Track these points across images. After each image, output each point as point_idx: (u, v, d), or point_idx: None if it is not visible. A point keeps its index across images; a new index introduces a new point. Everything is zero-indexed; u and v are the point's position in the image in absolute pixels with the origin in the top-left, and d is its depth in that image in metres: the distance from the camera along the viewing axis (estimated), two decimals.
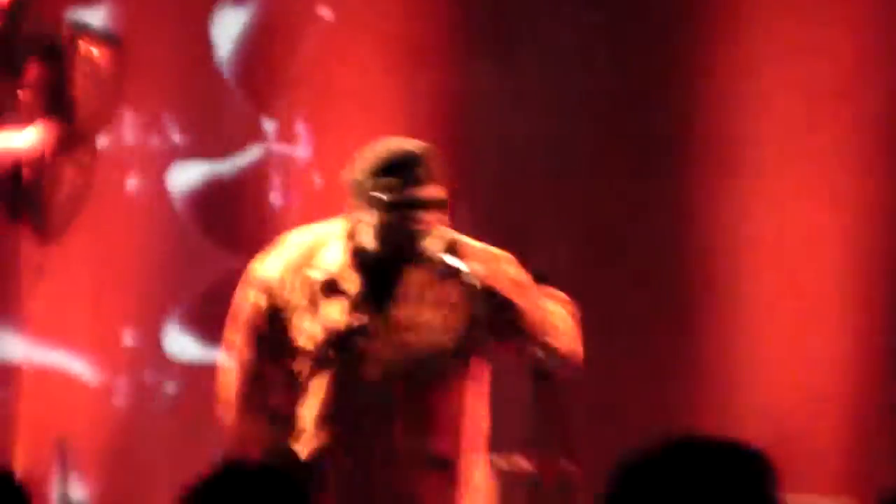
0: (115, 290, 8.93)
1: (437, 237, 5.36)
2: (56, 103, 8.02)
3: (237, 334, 5.55)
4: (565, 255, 8.35)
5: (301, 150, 9.22)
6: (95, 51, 8.12)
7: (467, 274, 5.31)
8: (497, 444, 6.17)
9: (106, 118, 8.39)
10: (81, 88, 8.01)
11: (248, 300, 5.54)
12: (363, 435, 5.46)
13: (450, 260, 5.31)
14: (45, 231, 7.98)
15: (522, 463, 6.60)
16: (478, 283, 5.30)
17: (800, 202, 8.43)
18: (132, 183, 9.10)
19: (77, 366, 8.73)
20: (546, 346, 5.55)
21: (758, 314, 8.55)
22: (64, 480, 7.76)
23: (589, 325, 5.93)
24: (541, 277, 5.83)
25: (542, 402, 5.81)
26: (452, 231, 5.53)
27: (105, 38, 8.42)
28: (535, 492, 6.14)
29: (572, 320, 5.62)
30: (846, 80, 8.35)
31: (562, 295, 5.74)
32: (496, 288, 5.46)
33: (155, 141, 9.03)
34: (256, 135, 9.15)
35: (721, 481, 3.19)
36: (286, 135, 9.21)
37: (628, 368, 8.26)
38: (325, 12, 8.96)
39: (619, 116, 8.69)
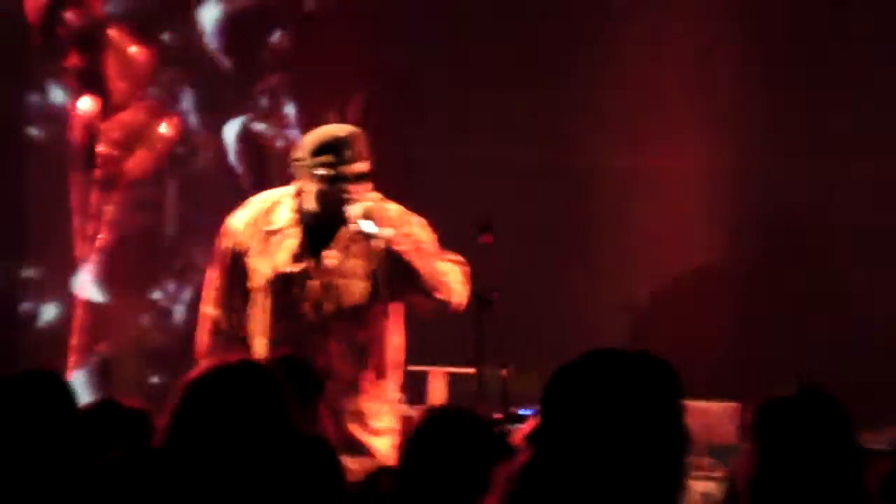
0: None
1: (360, 204, 6.14)
2: (92, 83, 8.85)
3: (214, 272, 6.37)
4: None
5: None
6: (125, 40, 8.85)
7: (374, 236, 6.13)
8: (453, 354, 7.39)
9: (136, 95, 9.10)
10: (113, 71, 8.82)
11: (220, 246, 6.36)
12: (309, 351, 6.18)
13: (362, 224, 6.13)
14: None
15: (469, 369, 7.32)
16: (382, 245, 6.14)
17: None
18: None
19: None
20: (436, 299, 6.32)
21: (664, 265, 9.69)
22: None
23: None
24: (485, 228, 6.84)
25: (483, 323, 6.80)
26: (376, 198, 6.32)
27: (135, 28, 9.20)
28: (479, 390, 6.97)
29: (462, 277, 6.35)
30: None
31: (457, 257, 6.47)
32: (397, 250, 6.21)
33: None
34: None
35: (635, 385, 3.32)
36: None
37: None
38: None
39: None
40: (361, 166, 6.18)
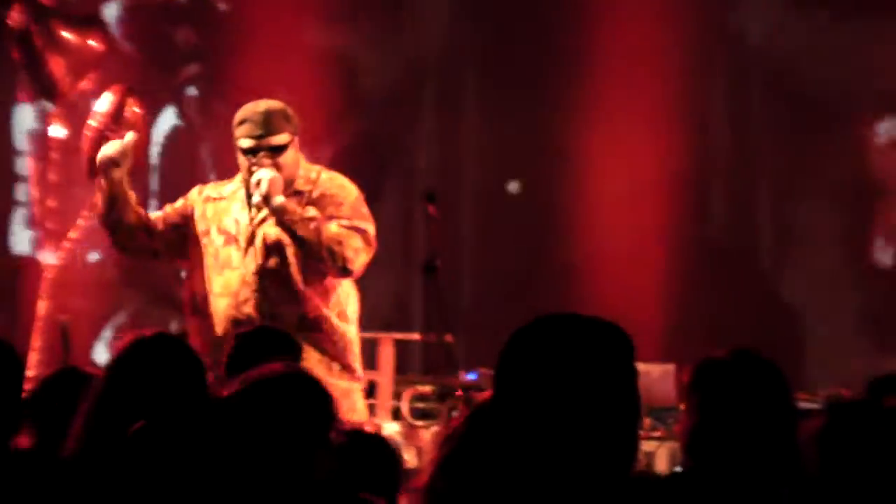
0: None
1: (262, 172, 6.37)
2: (37, 80, 8.93)
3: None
4: None
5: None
6: (67, 34, 8.81)
7: (265, 205, 6.42)
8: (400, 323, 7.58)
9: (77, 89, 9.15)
10: (55, 67, 8.84)
11: (179, 200, 6.67)
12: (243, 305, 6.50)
13: (255, 193, 6.41)
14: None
15: (416, 335, 7.65)
16: (268, 209, 6.41)
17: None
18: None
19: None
20: (327, 266, 6.47)
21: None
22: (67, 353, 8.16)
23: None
24: (430, 198, 7.10)
25: (431, 292, 6.98)
26: (311, 168, 6.63)
27: (79, 21, 9.20)
28: (427, 355, 7.20)
29: (362, 243, 6.51)
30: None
31: (365, 224, 6.65)
32: (285, 214, 6.47)
33: None
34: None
35: (589, 349, 3.28)
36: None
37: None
38: None
39: None
40: (280, 138, 6.39)
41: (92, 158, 7.17)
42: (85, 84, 9.33)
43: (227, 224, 6.60)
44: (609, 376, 3.15)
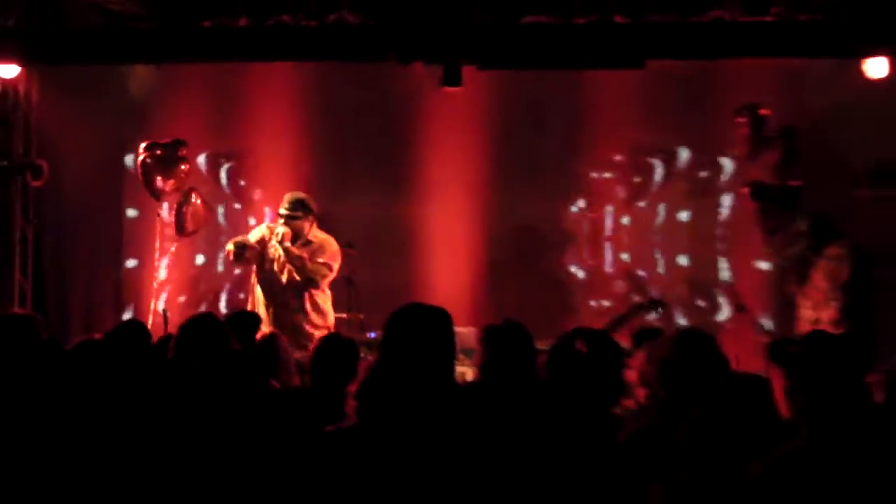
0: None
1: (280, 228, 8.62)
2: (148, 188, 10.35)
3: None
4: None
5: None
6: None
7: (274, 244, 8.65)
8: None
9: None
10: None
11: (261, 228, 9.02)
12: (283, 307, 8.89)
13: (276, 237, 8.60)
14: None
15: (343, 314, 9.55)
16: (279, 248, 8.66)
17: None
18: None
19: None
20: (310, 282, 8.74)
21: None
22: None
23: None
24: (349, 245, 9.27)
25: (350, 287, 9.38)
26: (313, 230, 8.79)
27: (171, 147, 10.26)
28: (347, 327, 9.34)
29: (326, 270, 8.70)
30: None
31: (331, 261, 8.74)
32: (289, 251, 8.65)
33: None
34: None
35: (424, 320, 3.89)
36: None
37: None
38: None
39: None
40: (295, 212, 8.86)
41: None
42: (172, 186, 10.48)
43: (271, 252, 8.79)
44: (435, 334, 3.81)
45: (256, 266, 8.88)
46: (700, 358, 4.46)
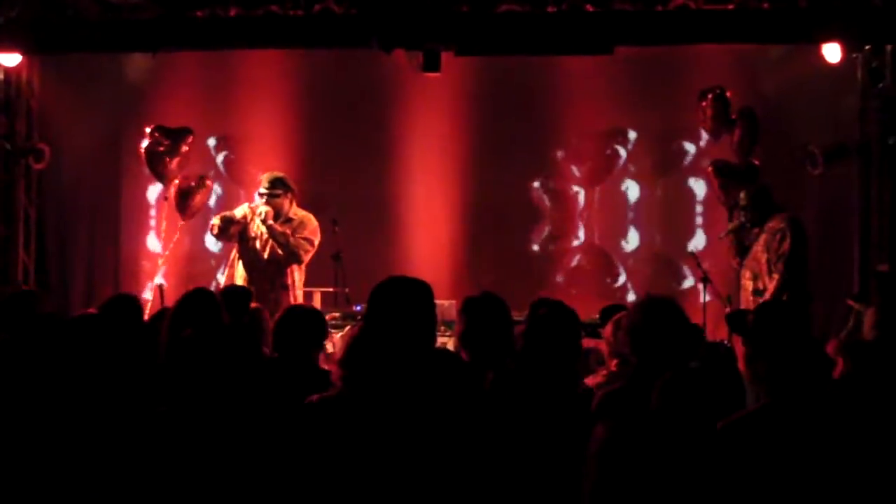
0: None
1: (262, 207, 8.42)
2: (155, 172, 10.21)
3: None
4: None
5: None
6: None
7: (263, 221, 8.43)
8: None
9: None
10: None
11: (242, 207, 8.79)
12: (265, 279, 8.71)
13: (258, 216, 8.42)
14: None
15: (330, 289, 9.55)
16: (264, 226, 8.48)
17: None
18: None
19: None
20: (293, 257, 8.51)
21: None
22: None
23: None
24: (335, 222, 9.27)
25: (337, 262, 9.26)
26: (292, 208, 8.61)
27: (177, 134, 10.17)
28: (335, 300, 9.41)
29: (307, 245, 8.51)
30: None
31: (312, 236, 8.56)
32: (272, 229, 8.44)
33: None
34: None
35: (408, 293, 3.85)
36: None
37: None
38: None
39: None
40: (275, 190, 8.72)
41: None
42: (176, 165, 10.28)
43: (253, 230, 8.59)
44: (417, 304, 3.77)
45: (238, 243, 8.79)
46: (668, 323, 4.42)
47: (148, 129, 9.81)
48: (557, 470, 4.02)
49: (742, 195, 8.65)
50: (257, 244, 8.56)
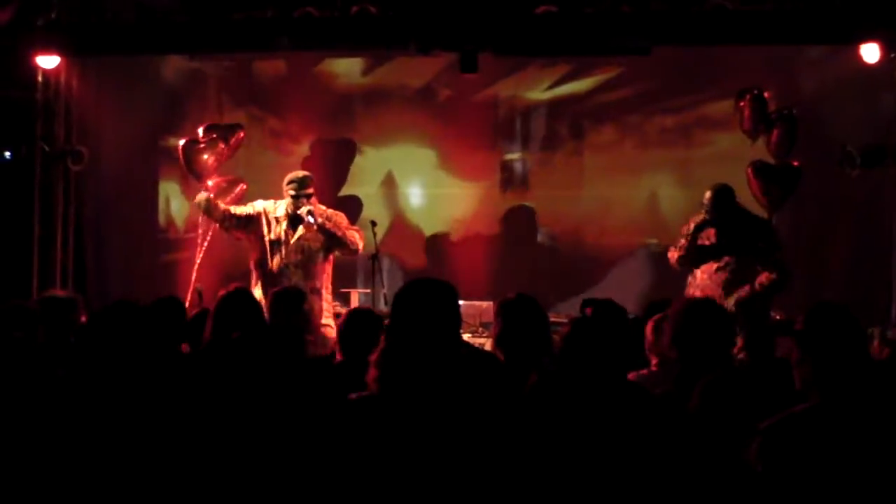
0: None
1: (305, 207, 7.84)
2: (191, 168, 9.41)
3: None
4: None
5: None
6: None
7: (311, 221, 7.85)
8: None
9: None
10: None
11: (248, 207, 8.18)
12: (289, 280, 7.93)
13: (305, 214, 7.88)
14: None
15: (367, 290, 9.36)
16: (315, 225, 7.89)
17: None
18: None
19: None
20: (346, 248, 7.91)
21: None
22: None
23: None
24: (373, 223, 8.89)
25: (375, 263, 8.79)
26: (317, 205, 8.01)
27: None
28: (373, 301, 8.98)
29: (358, 236, 7.95)
30: None
31: (355, 228, 8.04)
32: (322, 226, 7.84)
33: None
34: None
35: (430, 294, 3.80)
36: None
37: None
38: None
39: None
40: (307, 191, 8.09)
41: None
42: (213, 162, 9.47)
43: (277, 231, 7.93)
44: (441, 305, 3.75)
45: (259, 247, 8.18)
46: (711, 325, 4.45)
47: (200, 130, 9.41)
48: (604, 467, 3.88)
49: (707, 194, 8.23)
50: (282, 249, 8.04)
